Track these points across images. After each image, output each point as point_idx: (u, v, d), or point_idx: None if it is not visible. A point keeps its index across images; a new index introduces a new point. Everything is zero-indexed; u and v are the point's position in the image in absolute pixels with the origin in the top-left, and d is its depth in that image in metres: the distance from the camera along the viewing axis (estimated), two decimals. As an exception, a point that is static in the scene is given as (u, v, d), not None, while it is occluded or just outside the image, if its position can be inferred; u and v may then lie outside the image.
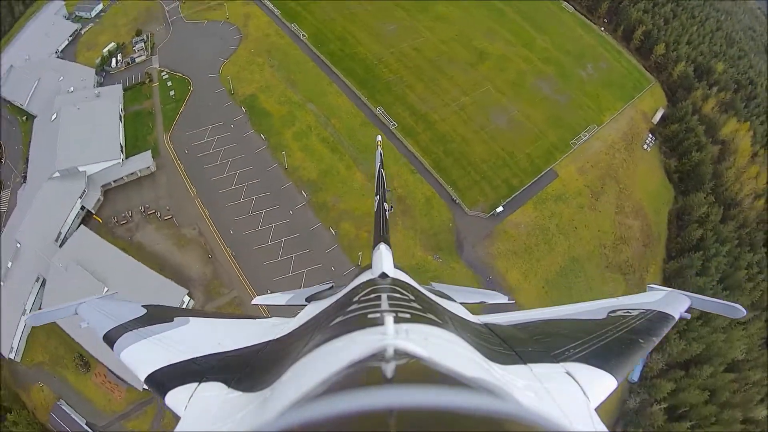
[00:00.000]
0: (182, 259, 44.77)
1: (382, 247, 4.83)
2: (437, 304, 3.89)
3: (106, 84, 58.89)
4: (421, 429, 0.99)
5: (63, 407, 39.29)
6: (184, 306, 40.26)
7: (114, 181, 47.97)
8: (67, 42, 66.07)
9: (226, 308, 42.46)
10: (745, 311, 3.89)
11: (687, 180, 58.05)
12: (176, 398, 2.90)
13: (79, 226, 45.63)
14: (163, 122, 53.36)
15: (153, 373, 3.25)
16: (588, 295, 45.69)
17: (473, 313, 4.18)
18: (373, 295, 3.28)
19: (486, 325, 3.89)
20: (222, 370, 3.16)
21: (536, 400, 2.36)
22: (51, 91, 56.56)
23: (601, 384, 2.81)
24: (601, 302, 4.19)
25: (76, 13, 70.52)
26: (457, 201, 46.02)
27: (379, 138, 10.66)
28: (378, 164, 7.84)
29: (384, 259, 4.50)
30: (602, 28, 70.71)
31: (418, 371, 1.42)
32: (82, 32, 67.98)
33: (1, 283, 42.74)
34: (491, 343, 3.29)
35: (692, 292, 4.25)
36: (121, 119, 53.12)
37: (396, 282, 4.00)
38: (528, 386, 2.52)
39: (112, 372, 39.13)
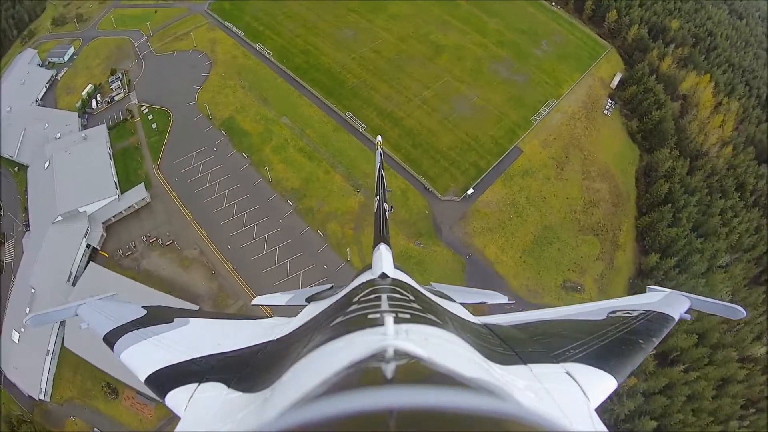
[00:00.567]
0: (188, 278, 48.41)
1: (382, 247, 4.93)
2: (437, 304, 3.91)
3: (90, 125, 61.56)
4: (422, 429, 0.99)
5: (98, 435, 41.27)
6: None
7: (113, 217, 51.05)
8: (45, 89, 68.30)
9: (234, 317, 46.30)
10: (745, 312, 3.94)
11: (650, 138, 60.16)
12: (176, 399, 2.94)
13: (87, 263, 48.38)
14: (151, 154, 56.55)
15: (153, 373, 3.29)
16: (564, 258, 49.67)
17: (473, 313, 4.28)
18: (373, 296, 3.31)
19: (486, 325, 3.90)
20: (222, 370, 3.18)
21: (536, 400, 2.38)
22: (38, 140, 59.17)
23: (601, 384, 2.82)
24: (602, 303, 4.21)
25: (49, 59, 72.63)
26: (430, 189, 49.90)
27: (379, 138, 10.57)
28: (378, 164, 7.93)
29: (384, 260, 4.57)
30: (553, 3, 73.50)
31: (418, 372, 1.42)
32: (58, 77, 70.29)
33: (22, 330, 44.84)
34: (491, 343, 3.30)
35: (690, 293, 4.29)
36: (110, 157, 56.24)
37: (396, 282, 4.05)
38: (528, 386, 2.54)
39: (139, 393, 41.69)
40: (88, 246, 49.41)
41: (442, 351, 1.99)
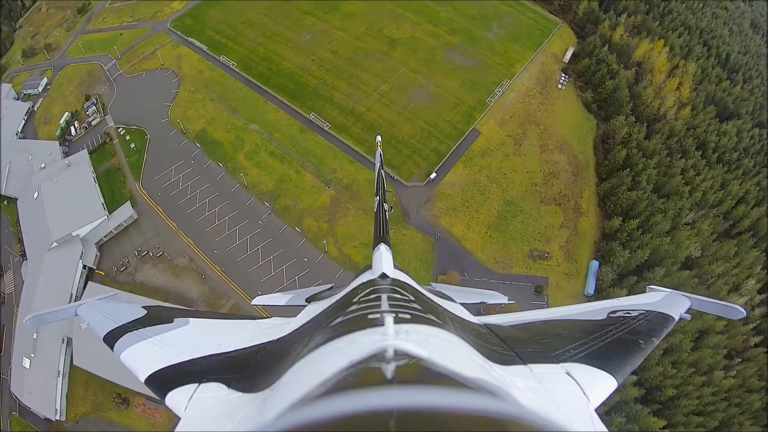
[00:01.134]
0: (181, 285, 51.83)
1: (382, 247, 4.96)
2: (437, 304, 3.92)
3: (71, 152, 63.39)
4: (422, 430, 0.99)
5: (113, 445, 42.93)
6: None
7: (105, 236, 53.70)
8: (23, 121, 69.81)
9: (228, 315, 50.04)
10: (744, 312, 4.00)
11: (606, 107, 61.73)
12: (176, 399, 2.95)
13: (86, 283, 50.85)
14: (132, 173, 59.46)
15: (153, 374, 3.31)
16: (529, 229, 52.73)
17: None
18: (373, 296, 3.34)
19: (486, 325, 3.91)
20: (222, 370, 3.19)
21: (536, 400, 2.39)
22: (24, 172, 61.27)
23: (601, 384, 2.83)
24: (602, 303, 4.23)
25: (24, 91, 74.08)
26: (395, 177, 53.45)
27: (379, 138, 10.67)
28: (378, 165, 7.81)
29: (384, 260, 4.60)
30: (502, -15, 75.53)
31: (418, 372, 1.42)
32: (35, 108, 71.88)
33: (32, 355, 46.95)
34: (491, 343, 3.30)
35: (689, 295, 4.31)
36: (95, 180, 58.92)
37: (396, 282, 4.10)
38: (528, 387, 2.54)
39: (149, 398, 43.57)
40: (84, 267, 51.63)
41: (443, 351, 2.01)
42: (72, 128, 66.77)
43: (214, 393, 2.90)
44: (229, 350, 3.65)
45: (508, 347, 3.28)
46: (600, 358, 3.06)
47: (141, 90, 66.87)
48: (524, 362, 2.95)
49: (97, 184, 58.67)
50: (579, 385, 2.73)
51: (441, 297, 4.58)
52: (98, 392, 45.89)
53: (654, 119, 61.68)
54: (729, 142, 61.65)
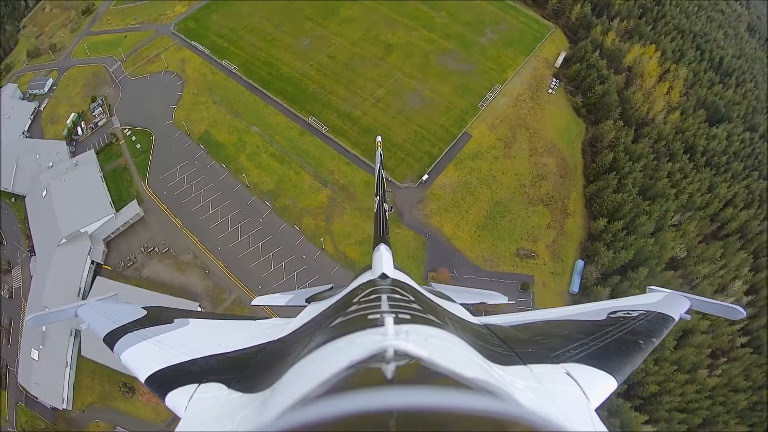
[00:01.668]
0: (186, 280, 54.22)
1: (382, 247, 5.06)
2: (437, 304, 3.95)
3: (78, 152, 65.18)
4: (422, 430, 0.99)
5: (121, 432, 44.70)
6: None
7: (112, 233, 55.90)
8: (30, 121, 71.20)
9: (230, 309, 51.91)
10: (744, 312, 4.02)
11: (595, 111, 63.02)
12: (176, 399, 2.97)
13: (94, 277, 53.10)
14: (138, 173, 61.74)
15: (153, 374, 3.33)
16: (516, 229, 55.03)
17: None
18: (373, 296, 3.36)
19: (486, 325, 3.93)
20: (222, 371, 3.21)
21: (536, 400, 2.41)
22: (32, 171, 62.90)
23: (601, 385, 2.85)
24: (602, 304, 4.25)
25: (30, 91, 75.37)
26: (390, 178, 56.06)
27: (379, 138, 10.57)
28: (378, 165, 7.80)
29: (384, 260, 4.70)
30: (497, -9, 77.32)
31: (418, 372, 1.42)
32: (41, 108, 73.26)
33: (41, 347, 48.95)
34: (491, 343, 3.32)
35: (689, 295, 4.34)
36: (102, 179, 60.86)
37: (396, 283, 4.13)
38: (528, 387, 2.55)
39: None
40: (92, 262, 53.73)
41: (442, 351, 2.02)
42: (79, 128, 68.31)
43: (214, 393, 2.92)
44: (229, 350, 3.69)
45: (508, 347, 3.30)
46: (600, 359, 3.09)
47: (146, 92, 69.03)
48: (524, 362, 2.97)
49: (104, 183, 60.89)
50: (579, 385, 2.75)
51: (441, 297, 4.65)
52: (105, 382, 48.16)
53: (642, 123, 63.15)
54: (718, 146, 62.70)
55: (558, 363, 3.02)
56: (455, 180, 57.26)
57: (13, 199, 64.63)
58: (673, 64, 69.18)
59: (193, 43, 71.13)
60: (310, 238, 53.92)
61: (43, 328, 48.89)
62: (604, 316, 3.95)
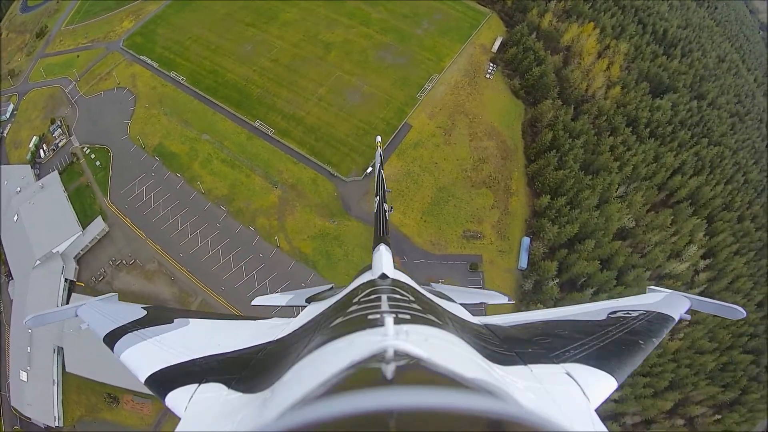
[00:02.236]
0: (154, 288, 56.99)
1: (382, 248, 5.10)
2: (437, 305, 4.00)
3: (42, 174, 67.13)
4: (422, 430, 1.00)
5: (106, 443, 45.74)
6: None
7: (81, 250, 58.49)
8: None
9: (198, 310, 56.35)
10: (745, 313, 4.05)
11: (534, 92, 64.10)
12: (176, 399, 3.00)
13: (70, 295, 54.86)
14: (100, 189, 63.90)
15: (153, 374, 3.34)
16: (461, 212, 57.49)
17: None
18: (373, 296, 3.40)
19: (486, 326, 3.94)
20: (222, 371, 3.23)
21: (536, 400, 2.41)
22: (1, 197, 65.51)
23: (601, 385, 2.86)
24: (602, 304, 4.29)
25: None
26: (336, 174, 59.34)
27: (379, 138, 10.73)
28: (378, 165, 7.96)
29: (384, 260, 4.75)
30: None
31: (418, 372, 1.43)
32: (5, 134, 75.42)
33: (28, 368, 50.43)
34: (491, 344, 3.33)
35: (689, 295, 4.37)
36: (67, 199, 63.76)
37: (396, 283, 4.20)
38: (528, 387, 2.56)
39: (136, 394, 46.18)
40: (66, 280, 56.02)
41: (443, 351, 2.03)
42: (41, 151, 70.20)
43: (214, 393, 2.94)
44: (229, 351, 3.68)
45: (508, 347, 3.29)
46: (600, 359, 3.10)
47: (101, 110, 71.17)
48: (524, 362, 2.97)
49: (69, 203, 63.65)
50: (579, 385, 2.77)
51: (441, 297, 4.68)
52: (90, 395, 49.81)
53: (582, 101, 64.43)
54: (663, 117, 63.61)
55: (558, 363, 3.04)
56: (399, 170, 60.36)
57: (-19, 226, 67.28)
58: (613, 40, 69.88)
59: (141, 57, 72.93)
60: (265, 238, 57.39)
61: (28, 349, 51.36)
62: (604, 316, 4.00)
